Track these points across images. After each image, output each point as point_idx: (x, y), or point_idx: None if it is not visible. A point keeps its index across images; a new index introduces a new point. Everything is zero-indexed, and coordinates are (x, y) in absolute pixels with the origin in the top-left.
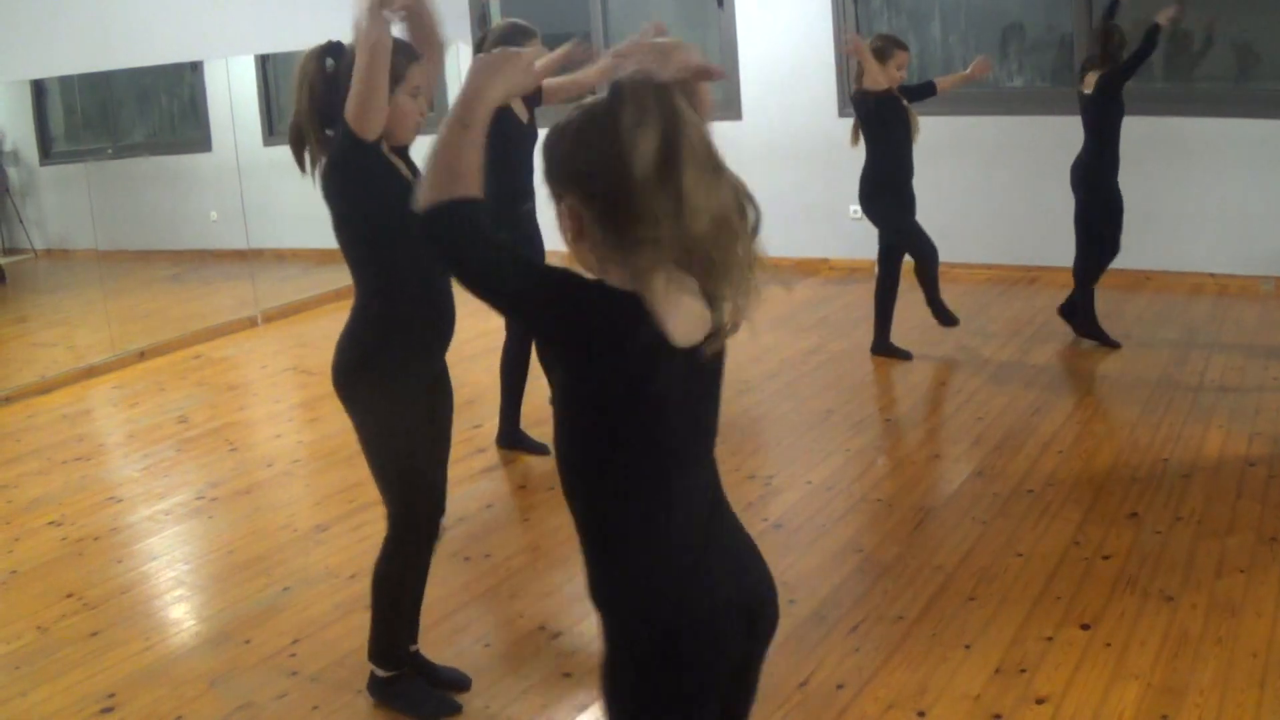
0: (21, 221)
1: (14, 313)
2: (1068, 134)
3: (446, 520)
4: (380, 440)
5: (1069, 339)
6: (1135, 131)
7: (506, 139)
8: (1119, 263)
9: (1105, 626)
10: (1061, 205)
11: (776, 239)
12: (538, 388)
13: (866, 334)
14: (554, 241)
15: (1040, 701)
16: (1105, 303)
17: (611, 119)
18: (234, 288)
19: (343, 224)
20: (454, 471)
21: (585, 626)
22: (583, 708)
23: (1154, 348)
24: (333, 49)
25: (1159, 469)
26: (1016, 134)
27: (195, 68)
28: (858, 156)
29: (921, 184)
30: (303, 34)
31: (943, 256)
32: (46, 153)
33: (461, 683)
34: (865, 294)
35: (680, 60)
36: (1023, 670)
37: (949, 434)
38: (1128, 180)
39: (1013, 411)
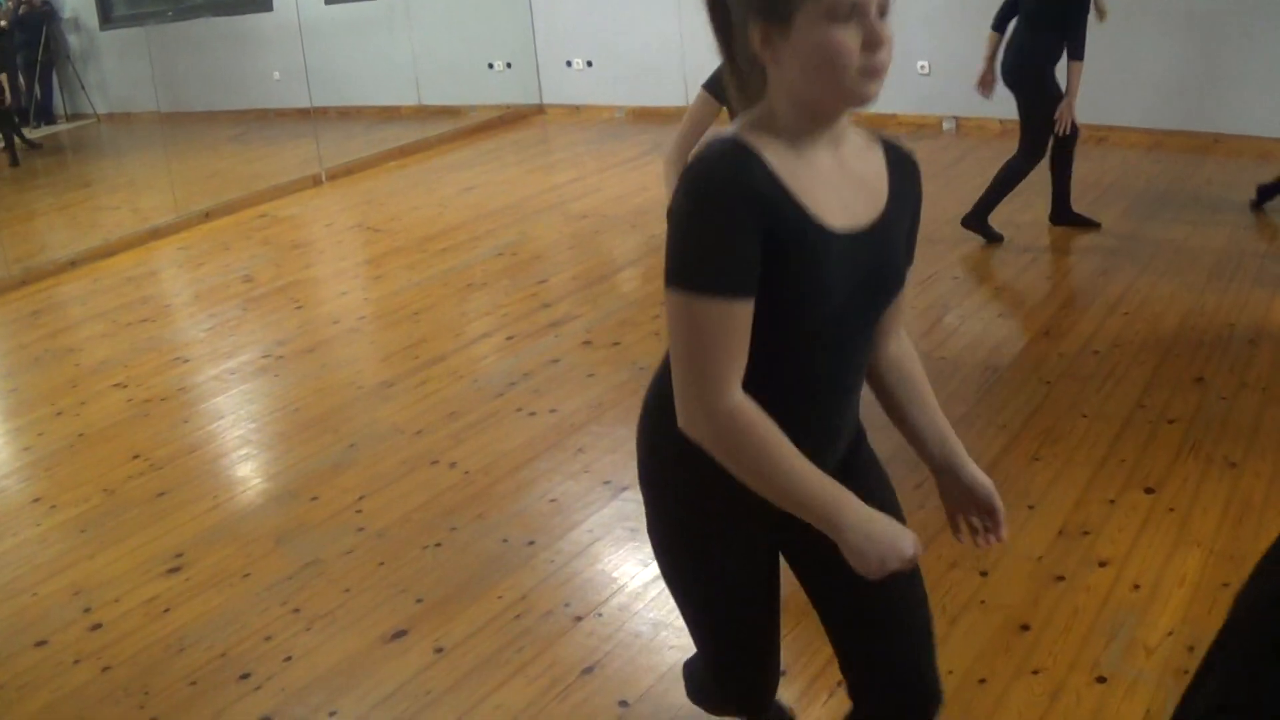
0: (83, 87)
1: (78, 178)
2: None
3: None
4: None
5: (1133, 202)
6: None
7: None
8: (1187, 124)
9: (1169, 491)
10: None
11: None
12: None
13: (935, 190)
14: None
15: (1103, 564)
16: (1175, 165)
17: None
18: (297, 146)
19: None
20: (518, 328)
21: None
22: (645, 564)
23: (1222, 211)
24: None
25: (1225, 334)
26: None
27: None
28: (927, 11)
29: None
30: None
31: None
32: (107, 17)
33: None
34: (934, 150)
35: None
36: (1085, 533)
37: (1016, 293)
38: (1191, 43)
39: (1079, 272)
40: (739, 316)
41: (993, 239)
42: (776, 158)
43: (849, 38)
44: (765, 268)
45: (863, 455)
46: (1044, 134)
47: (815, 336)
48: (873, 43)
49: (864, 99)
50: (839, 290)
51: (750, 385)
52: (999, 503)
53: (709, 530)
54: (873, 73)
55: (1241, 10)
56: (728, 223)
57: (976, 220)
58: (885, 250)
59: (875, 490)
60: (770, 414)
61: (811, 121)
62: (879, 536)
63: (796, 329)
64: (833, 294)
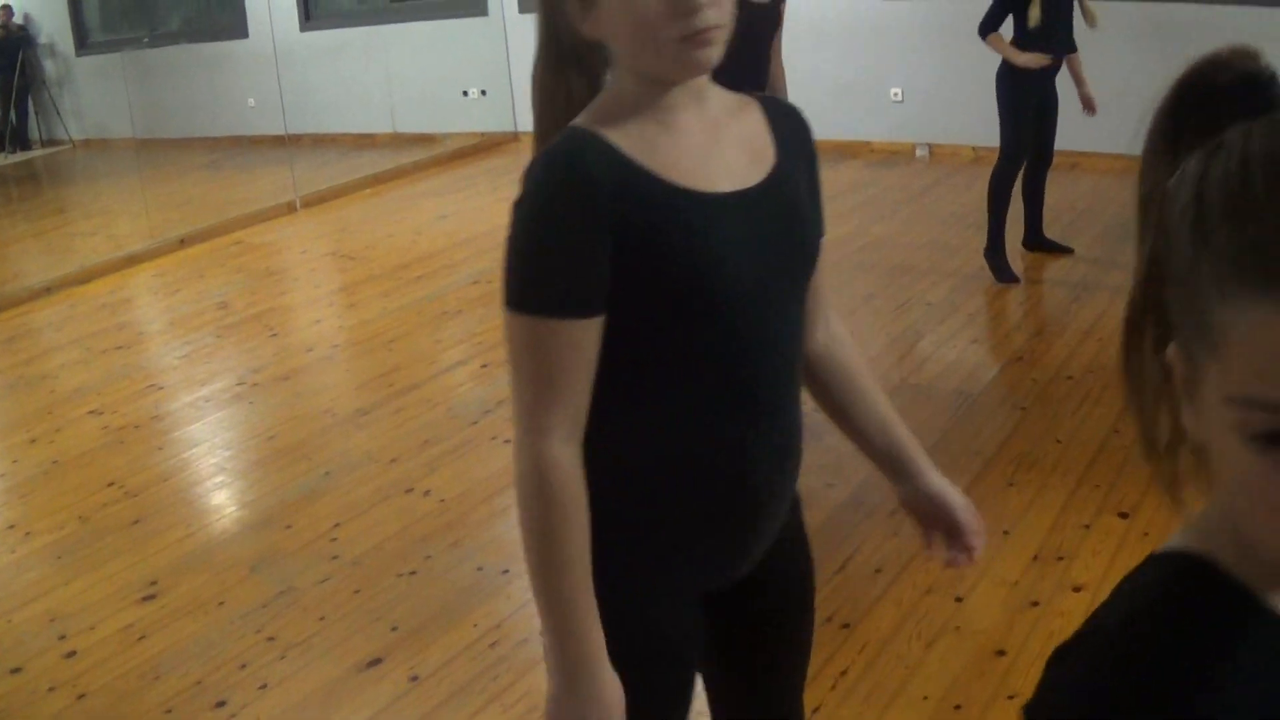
0: (58, 113)
1: (53, 203)
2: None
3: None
4: None
5: (1105, 227)
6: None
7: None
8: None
9: (1143, 516)
10: (1133, 89)
11: (818, 121)
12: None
13: (908, 217)
14: None
15: (1077, 589)
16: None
17: None
18: (272, 173)
19: None
20: (493, 355)
21: None
22: None
23: None
24: None
25: None
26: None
27: None
28: (901, 38)
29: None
30: None
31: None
32: (82, 43)
33: None
34: (907, 177)
35: None
36: (1060, 558)
37: (989, 319)
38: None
39: (1052, 298)
40: (582, 341)
41: (1006, 276)
42: (627, 137)
43: (652, 1)
44: (641, 262)
45: (795, 530)
46: (1015, 134)
47: (729, 323)
48: (683, 7)
49: (697, 66)
50: (737, 259)
51: (677, 411)
52: (966, 516)
53: (638, 580)
54: (696, 39)
55: (1211, 34)
56: (565, 232)
57: (991, 253)
58: (787, 210)
59: (793, 586)
60: (704, 443)
61: (660, 88)
62: (598, 701)
63: (705, 317)
64: (728, 263)
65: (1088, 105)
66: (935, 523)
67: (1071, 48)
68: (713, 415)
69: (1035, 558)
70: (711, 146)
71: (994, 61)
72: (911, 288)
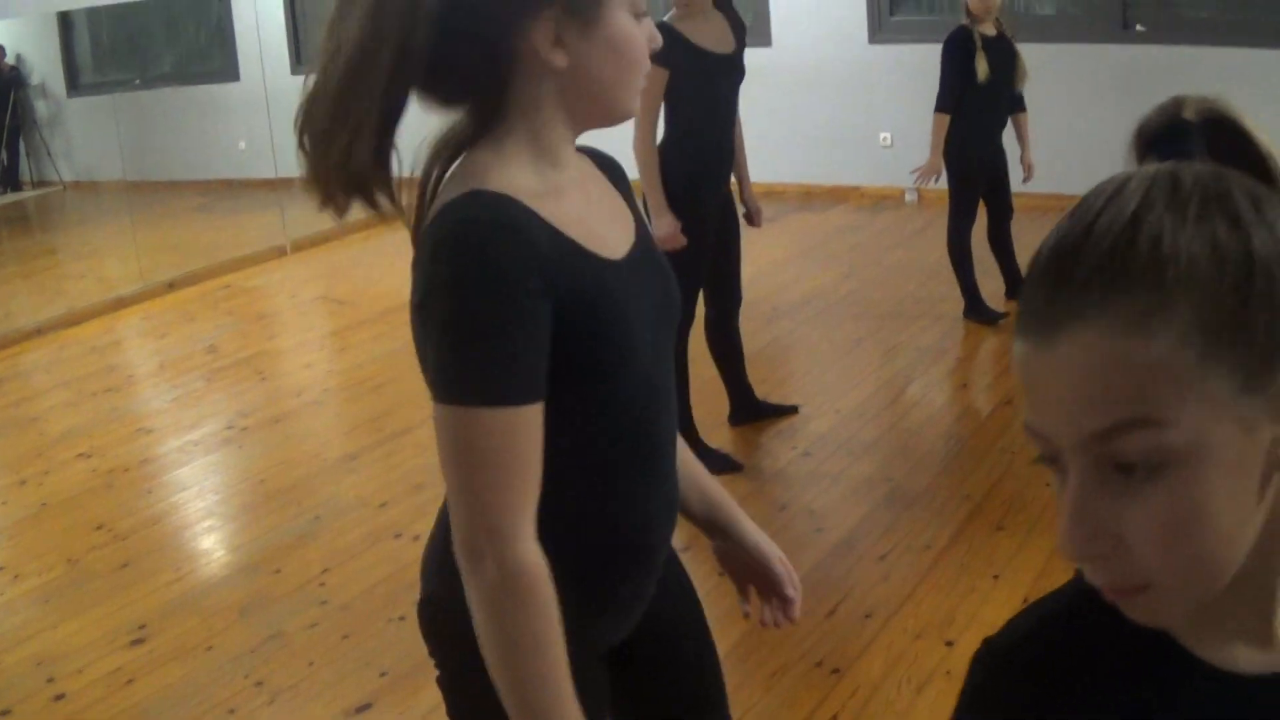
0: (49, 154)
1: (42, 245)
2: (1102, 61)
3: None
4: None
5: None
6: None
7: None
8: None
9: None
10: (1093, 133)
11: (808, 165)
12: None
13: (897, 261)
14: None
15: None
16: None
17: None
18: (263, 217)
19: None
20: None
21: None
22: None
23: None
24: None
25: None
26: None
27: None
28: (889, 83)
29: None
30: None
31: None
32: (74, 84)
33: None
34: (897, 221)
35: None
36: None
37: (978, 364)
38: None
39: None
40: (533, 424)
41: (988, 318)
42: (537, 200)
43: (643, 38)
44: (573, 331)
45: (677, 566)
46: (960, 196)
47: (641, 383)
48: (647, 54)
49: (633, 110)
50: (642, 321)
51: (594, 472)
52: (780, 567)
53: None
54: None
55: (1172, 77)
56: (519, 309)
57: (972, 310)
58: (660, 268)
59: (688, 619)
60: (618, 500)
61: (566, 141)
62: None
63: (624, 380)
64: (635, 326)
65: (1027, 170)
66: (751, 576)
67: (1019, 106)
68: (625, 473)
69: (1025, 600)
70: (593, 210)
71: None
72: (901, 332)
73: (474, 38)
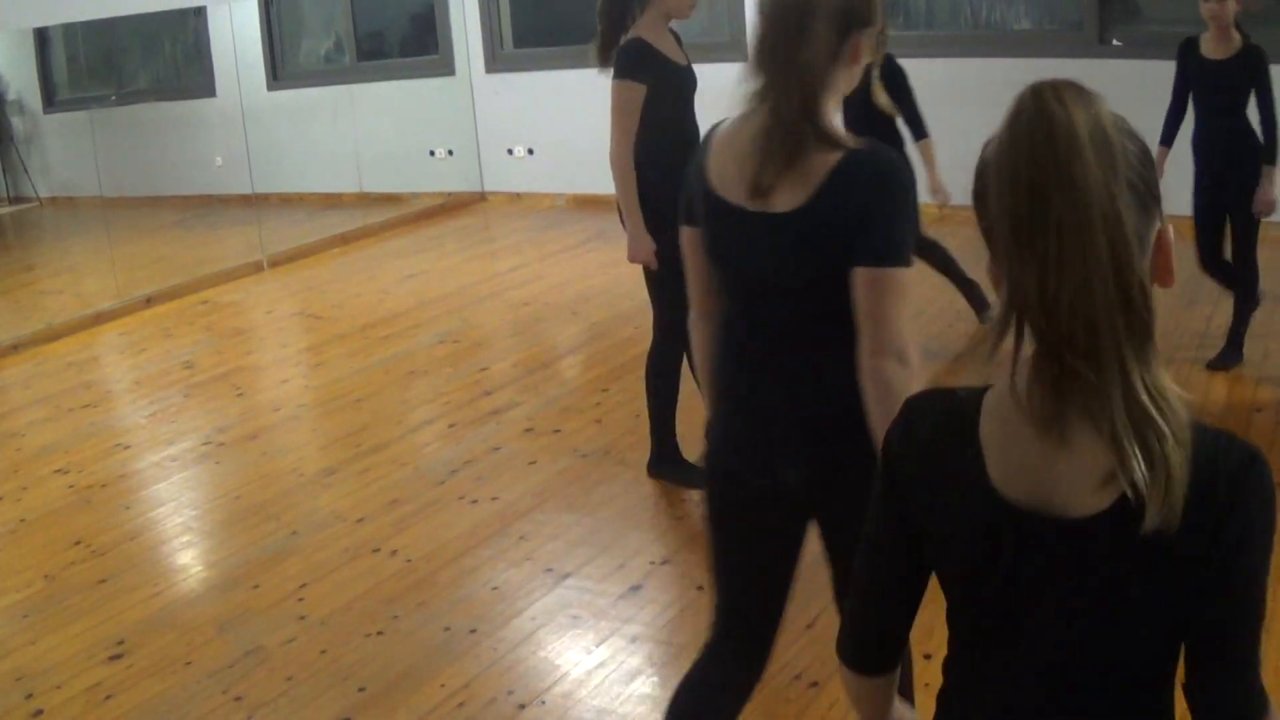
0: (26, 170)
1: (20, 261)
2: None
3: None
4: None
5: None
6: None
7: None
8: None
9: None
10: None
11: None
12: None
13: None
14: None
15: None
16: None
17: None
18: (240, 233)
19: None
20: (460, 415)
21: (592, 569)
22: (588, 651)
23: (1155, 294)
24: None
25: None
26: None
27: (199, 13)
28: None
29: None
30: None
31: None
32: (50, 101)
33: None
34: None
35: None
36: None
37: (970, 373)
38: None
39: None
40: None
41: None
42: None
43: None
44: None
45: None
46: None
47: None
48: None
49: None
50: None
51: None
52: None
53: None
54: None
55: (1148, 92)
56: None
57: (975, 301)
58: None
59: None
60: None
61: None
62: None
63: None
64: None
65: (939, 193)
66: None
67: (922, 134)
68: None
69: None
70: None
71: (964, 125)
72: None
73: None
